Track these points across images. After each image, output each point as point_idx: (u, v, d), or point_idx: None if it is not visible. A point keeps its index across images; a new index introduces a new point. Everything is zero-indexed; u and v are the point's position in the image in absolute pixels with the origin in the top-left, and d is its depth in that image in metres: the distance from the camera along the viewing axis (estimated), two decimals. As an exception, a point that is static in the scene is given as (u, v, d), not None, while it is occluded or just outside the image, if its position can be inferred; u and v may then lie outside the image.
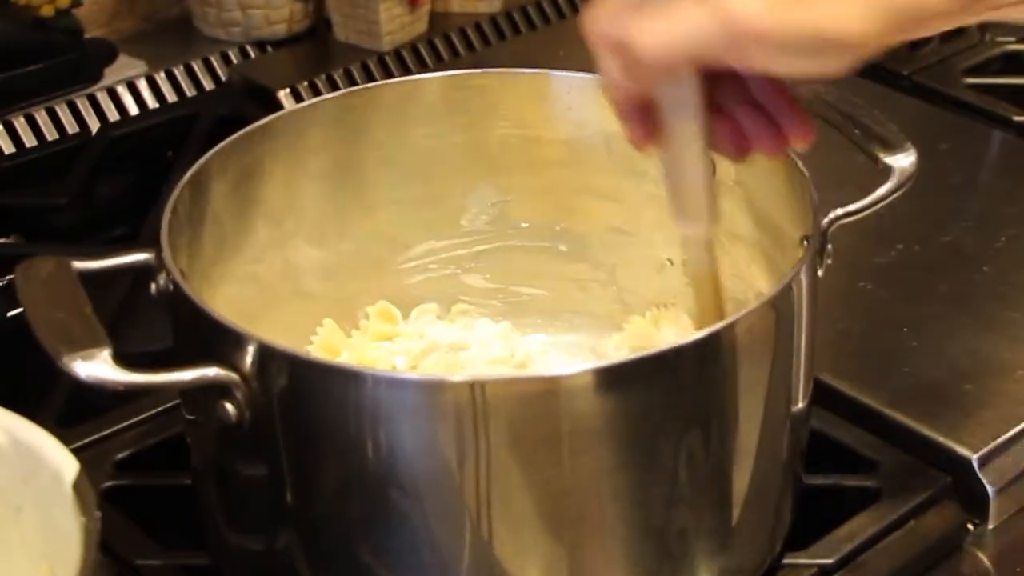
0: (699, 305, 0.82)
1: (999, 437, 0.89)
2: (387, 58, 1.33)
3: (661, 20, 0.68)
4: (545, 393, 0.72)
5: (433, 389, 0.71)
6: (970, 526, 0.88)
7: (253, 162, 0.88)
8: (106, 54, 1.30)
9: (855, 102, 0.89)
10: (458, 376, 0.72)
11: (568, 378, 0.72)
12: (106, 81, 1.28)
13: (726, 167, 0.87)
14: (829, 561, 0.83)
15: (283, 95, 1.28)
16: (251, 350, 0.72)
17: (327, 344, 0.92)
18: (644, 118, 0.75)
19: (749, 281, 0.89)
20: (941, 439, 0.89)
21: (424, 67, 1.34)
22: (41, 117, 1.24)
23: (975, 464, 0.88)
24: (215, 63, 1.33)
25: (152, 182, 1.17)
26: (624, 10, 0.70)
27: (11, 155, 1.22)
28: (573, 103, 0.92)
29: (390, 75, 1.31)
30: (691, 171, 0.76)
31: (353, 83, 1.29)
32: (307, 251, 0.93)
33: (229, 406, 0.73)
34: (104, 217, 1.21)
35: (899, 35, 0.68)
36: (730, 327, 0.73)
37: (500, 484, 0.73)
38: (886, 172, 0.85)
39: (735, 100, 0.75)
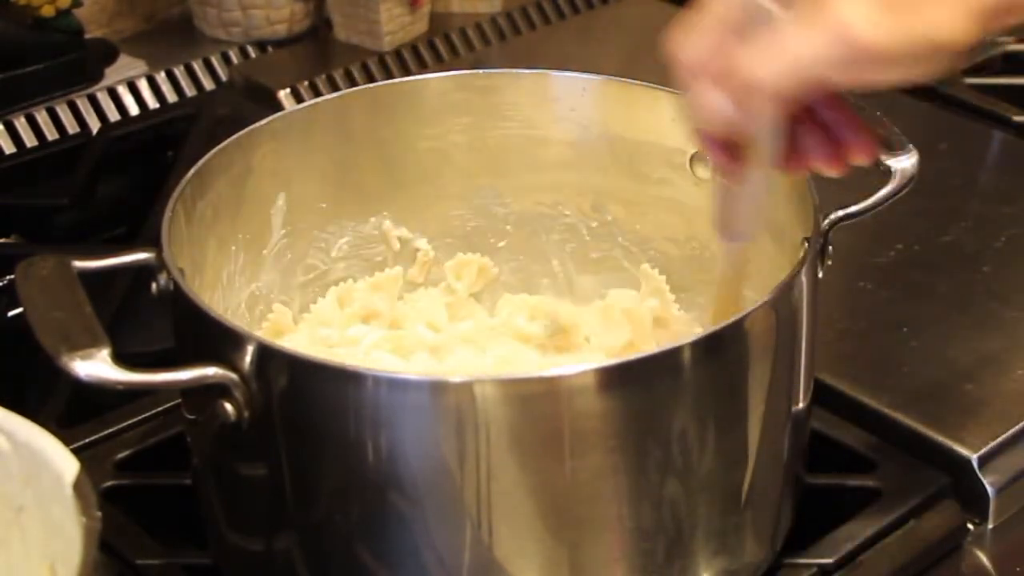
0: (719, 307, 0.82)
1: (999, 437, 0.89)
2: (387, 58, 1.33)
3: (774, 47, 0.66)
4: (545, 393, 0.72)
5: (434, 389, 0.71)
6: (970, 526, 0.88)
7: (253, 162, 0.88)
8: (106, 54, 1.30)
9: (856, 103, 0.89)
10: (459, 376, 0.72)
11: (568, 378, 0.72)
12: (106, 81, 1.28)
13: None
14: (829, 561, 0.83)
15: (283, 95, 1.28)
16: (251, 350, 0.72)
17: (276, 328, 0.91)
18: (730, 144, 0.73)
19: (749, 282, 0.89)
20: (941, 439, 0.90)
21: (424, 67, 1.34)
22: (41, 117, 1.24)
23: (975, 464, 0.88)
24: (215, 63, 1.33)
25: (152, 182, 1.17)
26: (723, 38, 0.68)
27: (11, 155, 1.22)
28: (577, 104, 0.92)
29: (390, 75, 1.31)
30: (755, 190, 0.75)
31: (353, 83, 1.30)
32: (307, 251, 0.93)
33: (228, 406, 0.73)
34: (104, 217, 1.21)
35: (993, 30, 0.67)
36: (731, 327, 0.73)
37: (500, 484, 0.73)
38: (887, 173, 0.85)
39: (796, 118, 0.73)
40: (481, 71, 0.94)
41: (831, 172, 0.74)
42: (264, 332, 0.90)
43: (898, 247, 1.07)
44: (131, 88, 1.29)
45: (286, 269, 0.92)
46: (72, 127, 1.25)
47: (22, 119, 1.23)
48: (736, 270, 0.80)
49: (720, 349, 0.74)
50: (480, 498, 0.73)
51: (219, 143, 0.87)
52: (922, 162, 0.86)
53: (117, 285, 1.02)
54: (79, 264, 0.78)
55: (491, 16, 1.40)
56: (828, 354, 0.92)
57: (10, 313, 1.01)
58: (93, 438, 0.91)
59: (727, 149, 0.73)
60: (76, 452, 0.70)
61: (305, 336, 0.91)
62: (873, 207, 0.85)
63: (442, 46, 1.36)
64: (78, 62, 1.27)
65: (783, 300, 0.76)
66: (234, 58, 1.34)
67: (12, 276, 0.77)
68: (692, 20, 0.70)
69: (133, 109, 1.28)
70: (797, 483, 0.84)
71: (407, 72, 1.32)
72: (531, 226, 0.97)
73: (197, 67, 1.32)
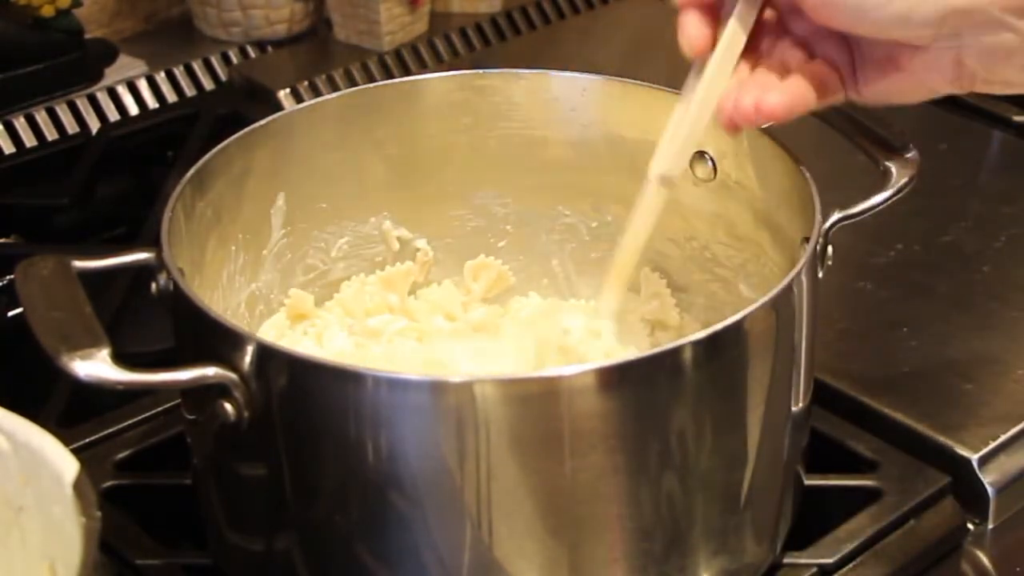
0: (620, 265, 0.83)
1: (999, 437, 0.89)
2: (387, 58, 1.33)
3: None
4: (545, 393, 0.72)
5: (434, 389, 0.71)
6: (970, 526, 0.88)
7: (253, 162, 0.88)
8: (106, 54, 1.30)
9: (857, 103, 0.89)
10: (459, 376, 0.72)
11: (568, 378, 0.72)
12: (106, 81, 1.28)
13: (727, 168, 0.88)
14: (829, 561, 0.83)
15: (283, 95, 1.28)
16: (250, 350, 0.72)
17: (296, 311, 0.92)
18: (704, 20, 0.78)
19: (749, 282, 0.89)
20: (941, 439, 0.89)
21: (424, 67, 1.34)
22: (41, 117, 1.24)
23: (975, 464, 0.88)
24: (215, 63, 1.33)
25: (152, 182, 1.17)
26: None
27: (11, 155, 1.22)
28: (577, 104, 0.92)
29: (390, 75, 1.31)
30: (694, 121, 0.78)
31: (353, 83, 1.30)
32: (307, 251, 0.93)
33: (228, 406, 0.73)
34: (104, 217, 1.21)
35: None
36: (731, 327, 0.73)
37: (500, 484, 0.73)
38: (887, 174, 0.85)
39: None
40: (481, 71, 0.94)
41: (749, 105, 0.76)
42: (285, 313, 0.91)
43: (898, 247, 1.07)
44: (131, 88, 1.29)
45: (286, 269, 0.93)
46: (72, 127, 1.25)
47: (22, 119, 1.24)
48: (648, 221, 0.81)
49: (720, 349, 0.74)
50: (480, 498, 0.73)
51: (219, 143, 0.87)
52: (922, 162, 0.86)
53: (117, 285, 1.02)
54: (79, 264, 0.78)
55: (491, 16, 1.40)
56: (828, 354, 0.92)
57: (10, 313, 1.01)
58: (93, 438, 0.91)
59: (702, 25, 0.77)
60: (76, 452, 0.71)
61: (335, 323, 0.91)
62: (873, 208, 0.85)
63: (442, 46, 1.36)
64: (78, 62, 1.27)
65: (783, 300, 0.76)
66: (234, 58, 1.34)
67: (12, 276, 0.77)
68: None
69: (133, 109, 1.28)
70: (797, 483, 0.84)
71: (407, 72, 1.32)
72: (531, 226, 0.97)
73: (197, 67, 1.32)
